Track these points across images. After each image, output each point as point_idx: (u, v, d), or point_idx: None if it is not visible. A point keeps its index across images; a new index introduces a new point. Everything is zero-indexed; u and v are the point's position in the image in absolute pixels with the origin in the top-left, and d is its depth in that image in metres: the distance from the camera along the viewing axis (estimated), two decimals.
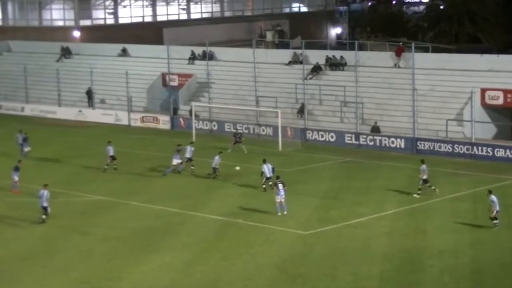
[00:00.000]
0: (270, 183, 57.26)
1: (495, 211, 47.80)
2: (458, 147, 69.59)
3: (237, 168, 60.93)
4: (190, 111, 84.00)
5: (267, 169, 58.00)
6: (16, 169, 58.63)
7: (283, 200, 51.72)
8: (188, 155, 64.13)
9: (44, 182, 59.27)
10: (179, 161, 63.47)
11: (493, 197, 48.12)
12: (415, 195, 55.89)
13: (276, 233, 48.79)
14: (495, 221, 47.92)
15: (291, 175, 63.09)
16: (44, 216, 50.86)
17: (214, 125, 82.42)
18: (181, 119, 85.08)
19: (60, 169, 67.27)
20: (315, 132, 76.78)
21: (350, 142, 74.52)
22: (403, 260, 43.78)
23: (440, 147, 70.27)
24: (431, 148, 70.62)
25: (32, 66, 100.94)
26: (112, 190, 59.55)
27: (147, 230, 49.93)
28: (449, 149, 69.84)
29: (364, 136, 73.99)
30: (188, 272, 42.64)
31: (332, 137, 75.71)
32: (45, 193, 50.97)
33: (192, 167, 64.11)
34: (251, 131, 79.67)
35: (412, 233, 48.75)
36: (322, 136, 76.26)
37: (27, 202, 56.48)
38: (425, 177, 56.46)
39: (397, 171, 64.85)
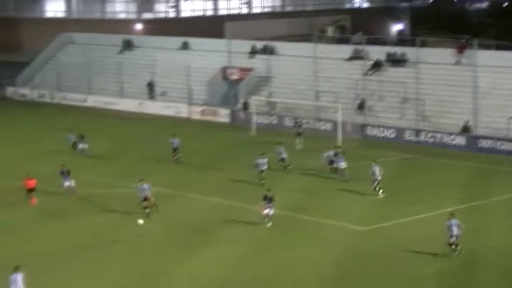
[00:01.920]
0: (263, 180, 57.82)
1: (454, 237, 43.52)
2: None
3: (140, 221, 48.75)
4: (244, 104, 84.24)
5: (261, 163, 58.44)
6: (63, 173, 56.57)
7: (271, 213, 48.96)
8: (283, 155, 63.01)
9: (101, 172, 60.07)
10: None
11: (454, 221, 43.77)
12: (380, 196, 55.54)
13: (334, 228, 48.54)
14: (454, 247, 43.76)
15: (349, 170, 62.67)
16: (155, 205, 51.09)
17: (274, 119, 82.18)
18: (241, 113, 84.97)
19: (119, 160, 67.46)
20: (374, 128, 76.37)
21: (410, 138, 73.96)
22: (461, 259, 43.23)
23: (501, 145, 69.49)
24: (492, 146, 69.83)
25: (95, 58, 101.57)
26: (169, 182, 59.46)
27: (202, 223, 49.85)
28: (511, 147, 68.98)
29: (424, 133, 73.40)
30: (243, 266, 42.45)
31: (391, 133, 75.24)
32: (146, 186, 50.68)
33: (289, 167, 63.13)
34: (311, 126, 79.29)
35: (471, 231, 47.97)
36: (382, 132, 75.82)
37: (86, 194, 56.76)
38: (261, 169, 57.90)
39: (457, 169, 64.23)
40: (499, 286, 39.64)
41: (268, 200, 48.38)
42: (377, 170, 55.57)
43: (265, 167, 58.61)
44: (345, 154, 59.23)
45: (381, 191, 55.28)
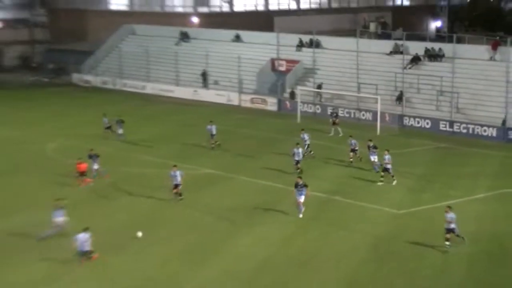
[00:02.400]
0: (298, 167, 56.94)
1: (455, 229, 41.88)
2: None
3: (139, 234, 44.02)
4: (291, 94, 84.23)
5: (297, 153, 57.34)
6: (90, 157, 55.70)
7: (301, 201, 47.22)
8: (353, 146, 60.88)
9: (159, 154, 60.23)
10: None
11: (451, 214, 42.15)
12: (379, 183, 54.66)
13: (371, 211, 48.43)
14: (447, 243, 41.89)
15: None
16: (180, 197, 50.02)
17: (318, 108, 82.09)
18: (287, 102, 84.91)
19: (175, 142, 67.60)
20: (411, 119, 75.98)
21: (444, 129, 73.55)
22: (491, 244, 43.03)
23: None
24: None
25: (153, 49, 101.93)
26: (220, 164, 59.70)
27: (251, 204, 49.89)
28: None
29: (458, 124, 72.95)
30: (288, 244, 42.56)
31: (427, 123, 74.84)
32: (178, 172, 49.86)
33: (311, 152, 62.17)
34: (352, 116, 79.22)
35: (501, 218, 47.92)
36: (418, 123, 75.44)
37: (138, 174, 57.09)
38: (388, 166, 55.11)
39: (488, 158, 63.79)
40: None
41: (300, 187, 46.99)
42: (386, 158, 54.68)
43: (300, 157, 57.51)
44: (377, 148, 57.88)
45: (395, 180, 54.70)
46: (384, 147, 65.13)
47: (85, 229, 39.33)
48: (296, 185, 46.92)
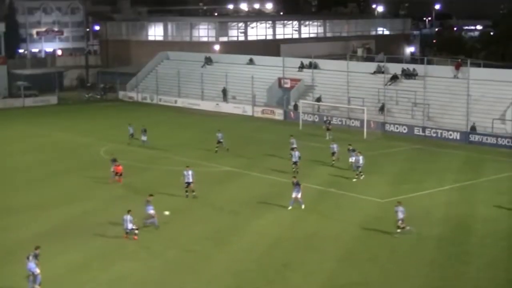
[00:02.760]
0: (294, 167, 55.28)
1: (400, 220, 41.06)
2: (501, 140, 67.91)
3: (166, 213, 43.66)
4: (294, 106, 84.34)
5: (297, 154, 55.71)
6: (113, 160, 54.50)
7: (299, 196, 45.81)
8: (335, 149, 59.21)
9: (190, 156, 60.25)
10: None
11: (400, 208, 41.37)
12: (354, 180, 53.72)
13: (360, 200, 48.48)
14: (398, 230, 41.09)
15: (373, 157, 62.32)
16: (193, 193, 48.77)
17: (316, 118, 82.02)
18: (292, 112, 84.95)
19: (202, 146, 67.52)
20: (392, 125, 75.87)
21: (418, 133, 73.40)
22: (456, 225, 43.14)
23: (487, 139, 68.71)
24: (480, 140, 69.06)
25: (184, 70, 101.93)
26: (238, 163, 59.71)
27: (264, 194, 50.00)
28: (494, 141, 68.19)
29: (429, 129, 72.83)
30: (292, 227, 42.69)
31: (404, 129, 74.71)
32: (190, 172, 48.85)
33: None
34: (344, 123, 79.10)
35: (464, 204, 47.93)
36: (397, 128, 75.32)
37: (174, 171, 57.28)
38: (359, 164, 54.05)
39: (453, 157, 63.72)
40: (483, 247, 39.33)
41: (295, 185, 45.68)
42: (360, 159, 53.48)
43: (297, 158, 55.57)
44: (355, 151, 55.43)
45: (362, 175, 53.68)
46: (371, 148, 65.52)
47: (128, 211, 40.23)
48: (293, 183, 46.03)
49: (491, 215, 44.66)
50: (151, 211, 41.82)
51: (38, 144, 70.17)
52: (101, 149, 66.37)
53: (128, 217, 40.14)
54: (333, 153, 58.99)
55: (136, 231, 40.25)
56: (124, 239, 39.98)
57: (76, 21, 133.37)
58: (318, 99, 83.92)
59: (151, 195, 43.03)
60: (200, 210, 46.43)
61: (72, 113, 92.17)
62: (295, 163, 55.65)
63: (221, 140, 63.87)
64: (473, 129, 70.45)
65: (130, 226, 40.10)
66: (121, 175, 53.45)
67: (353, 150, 56.37)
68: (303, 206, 45.78)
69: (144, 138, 68.10)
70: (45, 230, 42.35)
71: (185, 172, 48.92)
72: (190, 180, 48.64)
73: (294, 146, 59.87)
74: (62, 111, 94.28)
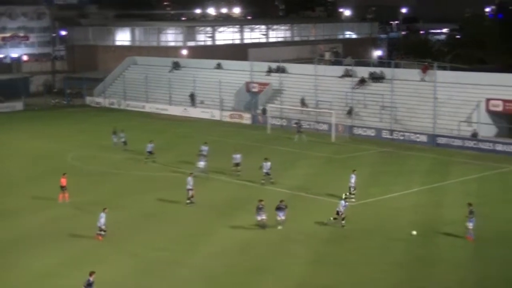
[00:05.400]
0: (265, 178, 54.05)
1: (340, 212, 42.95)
2: (467, 142, 68.72)
3: (414, 232, 42.20)
4: (263, 110, 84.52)
5: (266, 165, 54.11)
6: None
7: (284, 218, 43.25)
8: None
9: (158, 161, 60.16)
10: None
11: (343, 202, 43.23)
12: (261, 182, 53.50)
13: (329, 204, 48.61)
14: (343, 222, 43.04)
15: (342, 160, 62.91)
16: (189, 200, 48.77)
17: (284, 122, 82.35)
18: (260, 117, 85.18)
19: (171, 152, 67.43)
20: (359, 129, 76.37)
21: (386, 136, 74.00)
22: (424, 226, 43.55)
23: (453, 142, 69.48)
24: (447, 142, 69.81)
25: (151, 75, 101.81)
26: (208, 168, 59.67)
27: (232, 199, 50.22)
28: (460, 143, 68.98)
29: (397, 132, 73.45)
30: (263, 231, 42.73)
31: (372, 132, 75.26)
32: (190, 179, 48.65)
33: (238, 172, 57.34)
34: (312, 127, 79.41)
35: (432, 206, 48.46)
36: (365, 132, 75.84)
37: (145, 176, 57.22)
38: (265, 171, 53.72)
39: (421, 159, 64.33)
40: (451, 248, 39.83)
41: (280, 209, 43.05)
42: (353, 178, 50.45)
43: (268, 169, 54.03)
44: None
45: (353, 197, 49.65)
46: (339, 151, 65.97)
47: (104, 209, 41.10)
48: (257, 208, 42.76)
49: (458, 217, 45.07)
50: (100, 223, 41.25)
51: (3, 151, 69.69)
52: (69, 155, 66.12)
53: (103, 214, 40.71)
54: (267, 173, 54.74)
55: (103, 232, 40.63)
56: (96, 242, 40.15)
57: (42, 27, 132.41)
58: (303, 100, 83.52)
59: (105, 208, 42.09)
60: (171, 215, 46.51)
61: (39, 119, 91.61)
62: (267, 173, 54.44)
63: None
64: (475, 135, 69.14)
65: (101, 224, 40.64)
66: (65, 189, 49.80)
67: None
68: (279, 227, 43.01)
69: (115, 140, 68.61)
70: (13, 237, 42.16)
71: (188, 179, 48.72)
72: (191, 187, 48.47)
73: (204, 153, 58.26)
74: (28, 117, 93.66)
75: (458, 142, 69.14)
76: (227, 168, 58.44)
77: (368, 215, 46.10)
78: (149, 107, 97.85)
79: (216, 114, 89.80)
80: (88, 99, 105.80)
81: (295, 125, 75.73)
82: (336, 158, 64.46)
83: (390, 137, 73.63)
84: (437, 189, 53.30)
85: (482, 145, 67.58)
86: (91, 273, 31.64)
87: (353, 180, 49.40)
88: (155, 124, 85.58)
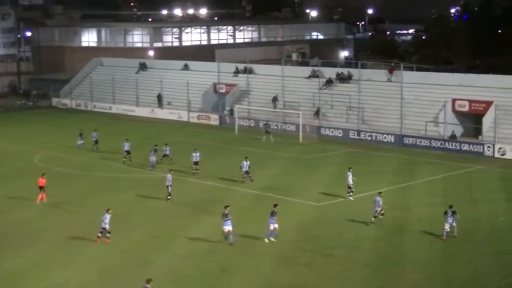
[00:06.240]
0: (245, 177, 54.83)
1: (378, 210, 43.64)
2: (434, 142, 69.21)
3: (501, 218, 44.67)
4: (230, 111, 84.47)
5: (246, 164, 54.84)
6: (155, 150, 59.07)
7: (276, 227, 40.97)
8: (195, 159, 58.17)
9: (127, 163, 59.81)
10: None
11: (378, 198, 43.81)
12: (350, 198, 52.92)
13: (297, 204, 48.82)
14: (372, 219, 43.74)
15: (309, 161, 63.06)
16: (169, 197, 49.68)
17: (252, 122, 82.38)
18: (227, 118, 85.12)
19: (139, 154, 66.93)
20: (327, 129, 76.59)
21: (353, 137, 74.30)
22: (392, 226, 43.76)
23: (420, 142, 69.93)
24: (414, 143, 70.25)
25: (118, 77, 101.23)
26: (176, 169, 59.41)
27: (200, 200, 50.05)
28: (427, 143, 69.46)
29: (364, 133, 73.78)
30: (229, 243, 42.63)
31: (340, 133, 75.52)
32: (169, 176, 49.44)
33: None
34: (279, 128, 79.51)
35: (399, 205, 48.65)
36: (332, 132, 76.08)
37: (112, 178, 56.90)
38: (245, 169, 54.64)
39: (388, 160, 64.67)
40: (418, 247, 40.07)
41: (225, 216, 40.54)
42: (350, 175, 50.70)
43: (247, 168, 54.78)
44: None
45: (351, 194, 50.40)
46: (307, 152, 66.14)
47: (108, 210, 40.81)
48: (223, 214, 40.65)
49: (425, 216, 45.48)
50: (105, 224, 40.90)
51: None
52: (35, 157, 65.60)
53: (107, 215, 40.34)
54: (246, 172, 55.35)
55: (108, 234, 40.45)
56: (62, 244, 39.87)
57: (7, 27, 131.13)
58: (275, 98, 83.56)
59: (108, 209, 41.43)
60: (139, 216, 46.29)
61: (4, 121, 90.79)
62: (246, 172, 54.90)
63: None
64: (453, 137, 69.19)
65: (106, 226, 40.29)
66: (43, 188, 49.41)
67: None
68: (273, 239, 41.00)
69: (80, 141, 68.30)
70: None
71: (168, 176, 49.49)
72: (169, 183, 49.29)
73: (196, 160, 58.34)
74: None
75: (425, 142, 69.60)
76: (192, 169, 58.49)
77: (336, 215, 46.18)
78: (116, 109, 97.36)
79: (183, 115, 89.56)
80: (55, 101, 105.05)
81: (263, 126, 75.83)
82: (303, 159, 64.59)
83: (358, 137, 73.93)
84: (404, 189, 53.58)
85: (448, 145, 68.12)
86: (148, 281, 30.35)
87: (350, 178, 50.11)
88: (122, 126, 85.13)
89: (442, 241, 40.58)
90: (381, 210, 43.74)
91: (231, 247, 39.87)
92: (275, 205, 41.58)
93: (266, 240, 40.65)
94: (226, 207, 40.76)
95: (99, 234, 40.58)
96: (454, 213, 40.98)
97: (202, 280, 35.40)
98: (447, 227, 40.79)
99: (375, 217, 43.77)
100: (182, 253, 39.14)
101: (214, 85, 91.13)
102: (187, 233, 42.60)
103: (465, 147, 67.21)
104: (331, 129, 76.35)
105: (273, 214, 40.83)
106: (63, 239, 41.13)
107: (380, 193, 44.53)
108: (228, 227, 40.28)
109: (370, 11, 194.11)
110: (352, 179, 50.06)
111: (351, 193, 50.26)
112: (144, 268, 36.85)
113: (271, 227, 40.70)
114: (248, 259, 38.09)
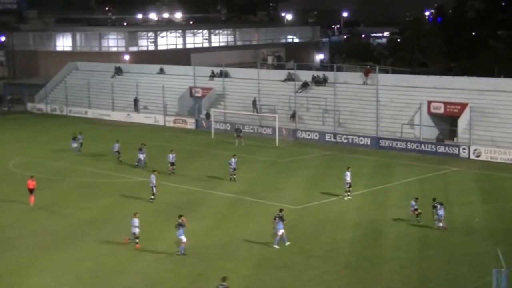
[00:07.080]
0: (234, 176, 56.18)
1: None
2: (410, 144, 69.43)
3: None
4: (206, 115, 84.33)
5: (234, 161, 56.22)
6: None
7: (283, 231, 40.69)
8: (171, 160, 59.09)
9: (101, 168, 59.69)
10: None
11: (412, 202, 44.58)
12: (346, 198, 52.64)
13: (273, 207, 48.51)
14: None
15: (285, 164, 63.07)
16: (153, 197, 50.40)
17: (228, 126, 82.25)
18: (203, 121, 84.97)
19: (114, 158, 66.81)
20: (303, 132, 76.67)
21: (329, 140, 74.39)
22: (368, 228, 43.89)
23: (396, 144, 70.18)
24: (390, 145, 70.50)
25: (93, 81, 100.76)
26: (150, 174, 59.24)
27: (177, 204, 49.84)
28: (403, 146, 69.69)
29: (340, 135, 73.91)
30: (207, 236, 42.69)
31: (316, 136, 75.62)
32: (153, 177, 50.27)
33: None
34: (255, 131, 79.54)
35: (375, 208, 48.80)
36: (309, 135, 76.17)
37: (87, 183, 56.64)
38: (233, 166, 55.93)
39: (364, 162, 64.73)
40: (395, 249, 40.18)
41: (279, 219, 40.25)
42: (348, 175, 50.77)
43: (235, 165, 56.04)
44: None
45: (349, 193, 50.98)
46: (283, 155, 66.28)
47: (135, 214, 40.90)
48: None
49: (400, 217, 45.61)
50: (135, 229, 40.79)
51: None
52: (10, 163, 65.13)
53: (136, 220, 40.21)
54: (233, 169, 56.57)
55: (137, 240, 40.30)
56: (37, 250, 39.63)
57: None
58: (254, 101, 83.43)
59: (136, 213, 41.41)
60: (114, 221, 46.02)
61: None
62: (234, 169, 56.17)
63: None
64: (440, 140, 69.26)
65: (136, 230, 40.20)
66: (33, 191, 49.62)
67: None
68: (287, 243, 40.69)
69: (74, 145, 68.75)
70: None
71: (151, 176, 50.32)
72: (153, 184, 50.21)
73: (172, 161, 59.21)
74: None
75: (401, 145, 69.84)
76: (168, 173, 58.37)
77: (313, 218, 46.22)
78: (91, 113, 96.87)
79: (159, 120, 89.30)
80: (30, 106, 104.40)
81: (234, 131, 75.57)
82: (280, 162, 64.61)
83: (334, 140, 74.05)
84: (380, 191, 53.71)
85: (424, 147, 68.41)
86: (224, 279, 31.08)
87: (348, 178, 50.52)
88: (98, 130, 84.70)
89: (442, 231, 41.92)
90: (417, 210, 44.14)
91: (207, 246, 39.84)
92: (281, 210, 41.15)
93: (276, 246, 40.17)
94: (180, 216, 40.11)
95: (132, 238, 40.53)
96: (441, 204, 41.73)
97: (179, 285, 35.28)
98: (439, 220, 41.98)
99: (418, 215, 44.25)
100: (158, 257, 38.98)
101: (190, 89, 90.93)
102: (163, 237, 42.40)
103: (441, 149, 67.54)
104: (308, 132, 76.44)
105: (281, 219, 40.32)
106: (39, 245, 40.81)
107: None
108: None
109: (345, 14, 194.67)
110: (350, 178, 50.81)
111: (348, 193, 50.76)
112: (120, 273, 36.68)
113: (279, 232, 40.26)
114: (225, 263, 37.99)
